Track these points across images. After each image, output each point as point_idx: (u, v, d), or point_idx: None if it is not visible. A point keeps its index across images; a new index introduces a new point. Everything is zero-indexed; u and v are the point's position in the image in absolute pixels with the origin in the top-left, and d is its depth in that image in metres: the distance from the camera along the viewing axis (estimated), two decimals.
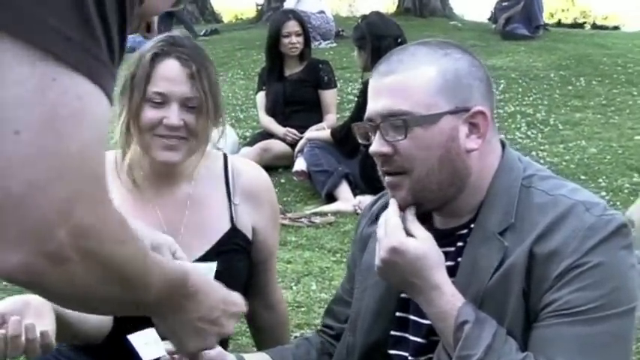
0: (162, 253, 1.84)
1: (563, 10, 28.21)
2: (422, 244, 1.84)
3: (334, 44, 11.57)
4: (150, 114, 2.26)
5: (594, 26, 18.57)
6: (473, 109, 1.85)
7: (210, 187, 2.45)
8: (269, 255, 2.56)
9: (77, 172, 1.04)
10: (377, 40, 5.59)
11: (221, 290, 1.62)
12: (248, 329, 2.70)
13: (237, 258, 2.43)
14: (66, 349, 2.30)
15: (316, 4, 12.48)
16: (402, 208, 1.91)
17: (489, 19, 14.48)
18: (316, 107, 6.30)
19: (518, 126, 7.70)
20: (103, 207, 1.09)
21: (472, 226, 1.89)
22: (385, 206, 1.96)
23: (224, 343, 2.27)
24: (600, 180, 5.68)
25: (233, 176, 2.47)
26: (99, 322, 2.14)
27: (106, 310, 1.56)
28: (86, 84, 1.02)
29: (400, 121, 1.83)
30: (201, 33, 13.98)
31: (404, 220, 1.88)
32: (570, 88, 9.08)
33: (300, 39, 6.44)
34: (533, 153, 6.63)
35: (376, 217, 2.01)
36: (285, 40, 6.37)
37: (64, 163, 1.02)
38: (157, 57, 2.28)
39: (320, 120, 6.18)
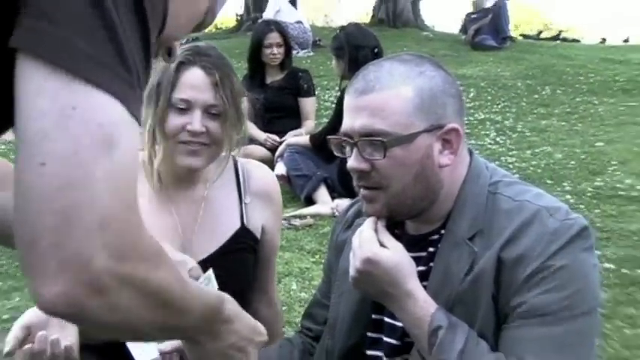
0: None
1: (527, 23, 28.43)
2: (394, 254, 1.84)
3: (311, 53, 11.61)
4: (174, 120, 2.26)
5: (558, 38, 18.68)
6: (447, 127, 1.84)
7: (223, 188, 2.45)
8: (273, 253, 2.57)
9: (106, 199, 1.00)
10: (355, 49, 5.59)
11: (251, 320, 1.60)
12: None
13: (246, 256, 2.43)
14: None
15: (294, 14, 12.60)
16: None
17: (460, 31, 14.56)
18: (296, 114, 6.31)
19: (488, 132, 7.74)
20: (137, 231, 1.06)
21: (443, 231, 1.89)
22: (359, 212, 1.99)
23: None
24: (565, 184, 5.72)
25: (244, 178, 2.47)
26: None
27: (147, 337, 1.50)
28: (115, 109, 0.99)
29: (379, 142, 1.82)
30: (183, 42, 13.86)
31: (379, 232, 1.89)
32: (536, 96, 9.17)
33: (282, 49, 6.44)
34: (502, 158, 6.68)
35: (351, 224, 2.03)
36: (267, 51, 6.37)
37: (92, 191, 0.98)
38: (182, 65, 2.29)
39: (299, 126, 6.19)
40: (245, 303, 2.40)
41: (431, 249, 1.90)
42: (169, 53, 1.41)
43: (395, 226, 1.93)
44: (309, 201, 5.45)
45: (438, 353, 1.75)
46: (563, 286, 1.73)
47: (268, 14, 11.90)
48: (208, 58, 2.32)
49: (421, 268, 1.87)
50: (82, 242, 0.97)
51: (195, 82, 2.28)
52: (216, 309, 1.40)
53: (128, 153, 1.01)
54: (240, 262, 2.40)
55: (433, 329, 1.76)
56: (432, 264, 1.88)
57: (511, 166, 6.29)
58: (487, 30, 12.98)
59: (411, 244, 1.89)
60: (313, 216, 5.19)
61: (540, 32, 22.32)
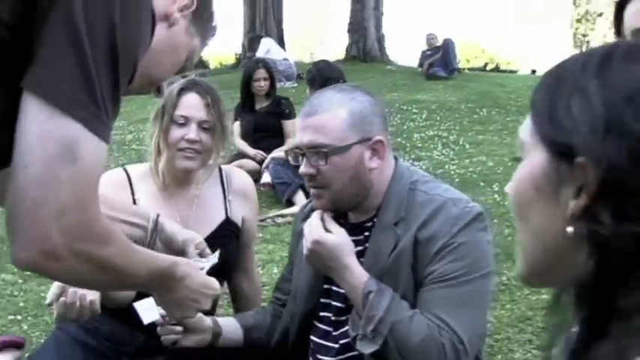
0: (188, 246, 1.91)
1: (476, 57, 28.47)
2: (336, 237, 1.90)
3: (295, 84, 11.50)
4: (175, 132, 2.33)
5: (497, 70, 18.69)
6: (374, 139, 1.89)
7: (211, 188, 2.49)
8: (252, 239, 2.60)
9: (67, 194, 1.09)
10: (324, 81, 5.49)
11: (203, 277, 1.67)
12: (227, 304, 2.70)
13: (230, 241, 2.45)
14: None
15: (281, 53, 12.64)
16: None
17: (418, 65, 14.57)
18: (279, 133, 6.30)
19: (436, 146, 7.69)
20: (89, 218, 1.14)
21: (375, 219, 1.93)
22: (313, 208, 2.03)
23: (212, 311, 2.29)
24: (494, 186, 5.74)
25: (227, 180, 2.51)
26: (125, 292, 2.18)
27: (105, 289, 1.63)
28: (80, 132, 1.08)
29: (322, 152, 1.87)
30: (192, 76, 13.81)
31: (324, 221, 1.93)
32: (475, 116, 9.13)
33: (267, 82, 6.46)
34: (447, 166, 6.64)
35: (307, 216, 2.04)
36: (255, 84, 6.40)
37: (58, 188, 1.08)
38: (182, 91, 2.38)
39: (282, 143, 6.16)
40: (230, 279, 2.48)
41: (366, 233, 1.94)
42: (158, 90, 1.51)
43: (340, 217, 1.98)
44: (289, 203, 5.44)
45: (369, 311, 1.79)
46: (463, 257, 1.80)
47: (260, 53, 11.87)
48: (201, 86, 2.41)
49: (359, 248, 1.92)
50: (43, 224, 1.08)
51: (192, 103, 2.36)
52: (168, 270, 1.48)
53: (89, 164, 1.10)
54: (226, 246, 2.39)
55: (365, 293, 1.81)
56: (367, 245, 1.93)
57: (453, 172, 6.28)
58: (438, 63, 12.89)
59: (352, 229, 1.94)
60: (292, 215, 5.06)
61: (486, 64, 22.34)
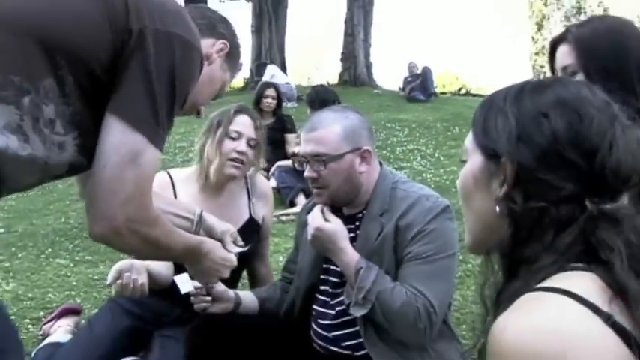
0: (225, 235, 2.03)
1: (450, 83, 28.52)
2: (334, 225, 1.98)
3: (296, 104, 11.47)
4: (228, 145, 2.41)
5: (469, 94, 18.69)
6: (363, 148, 1.99)
7: (239, 193, 2.56)
8: (269, 233, 2.68)
9: (131, 189, 1.26)
10: (322, 102, 5.58)
11: (223, 252, 1.78)
12: (242, 286, 2.76)
13: (252, 236, 2.50)
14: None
15: (283, 77, 12.64)
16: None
17: (400, 88, 14.59)
18: (282, 145, 6.31)
19: (415, 158, 7.69)
20: (145, 207, 1.32)
21: (364, 212, 2.02)
22: (315, 204, 2.10)
23: (234, 286, 2.39)
24: None
25: (251, 185, 2.58)
26: (167, 274, 2.28)
27: (152, 258, 1.81)
28: (144, 144, 1.26)
29: (321, 160, 1.96)
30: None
31: (324, 213, 2.01)
32: (449, 133, 9.10)
33: (275, 101, 6.52)
34: (424, 175, 6.65)
35: (310, 210, 2.11)
36: (264, 100, 6.44)
37: (125, 185, 1.26)
38: (237, 112, 2.47)
39: (285, 154, 6.19)
40: (252, 264, 2.56)
41: (357, 223, 2.03)
42: (198, 113, 1.69)
43: (336, 210, 2.05)
44: (292, 204, 5.45)
45: (360, 283, 1.88)
46: (434, 240, 1.88)
47: (266, 78, 11.83)
48: (251, 111, 2.53)
49: (352, 234, 2.00)
50: (112, 209, 1.26)
51: (245, 122, 2.45)
52: (197, 247, 1.62)
53: (148, 167, 1.28)
54: (249, 239, 2.44)
55: (357, 269, 1.91)
56: (358, 232, 2.01)
57: (429, 180, 6.29)
58: (418, 88, 12.92)
59: (346, 220, 2.02)
60: (294, 214, 5.01)
61: (460, 89, 22.34)
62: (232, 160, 2.42)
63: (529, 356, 0.77)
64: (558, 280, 0.85)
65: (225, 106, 2.55)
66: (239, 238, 2.08)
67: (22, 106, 1.16)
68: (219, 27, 1.64)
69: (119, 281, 2.11)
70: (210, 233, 2.02)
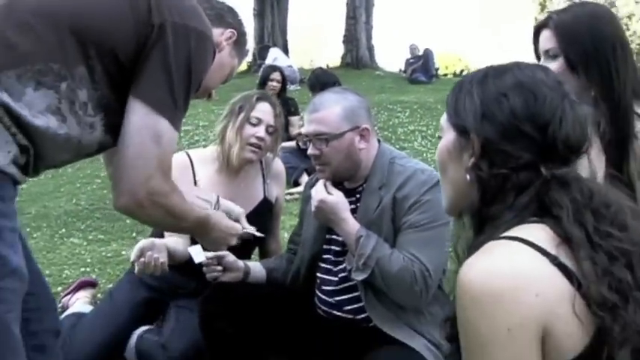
0: (241, 217, 2.11)
1: (454, 65, 28.44)
2: (335, 198, 2.07)
3: (298, 87, 11.52)
4: (248, 130, 2.49)
5: None
6: (362, 127, 2.07)
7: (254, 174, 2.64)
8: (280, 212, 2.77)
9: (152, 166, 1.38)
10: (323, 85, 5.68)
11: (229, 222, 1.89)
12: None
13: (265, 215, 2.62)
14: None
15: (286, 60, 12.65)
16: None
17: (402, 70, 14.62)
18: (286, 127, 6.23)
19: (416, 139, 7.79)
20: (165, 181, 1.43)
21: (364, 185, 2.10)
22: (318, 179, 2.18)
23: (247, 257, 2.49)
24: None
25: (265, 166, 2.66)
26: (183, 251, 2.36)
27: (169, 228, 1.91)
28: (165, 125, 1.38)
29: (323, 138, 2.06)
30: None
31: (326, 187, 2.10)
32: None
33: (279, 85, 6.57)
34: (424, 155, 6.72)
35: (313, 184, 2.20)
36: (270, 83, 6.50)
37: (147, 162, 1.38)
38: (259, 99, 2.55)
39: (289, 136, 6.23)
40: (263, 240, 2.63)
41: (358, 195, 2.12)
42: (209, 96, 1.82)
43: (338, 184, 2.13)
44: (296, 184, 5.53)
45: (360, 250, 1.98)
46: (428, 210, 1.97)
47: (269, 61, 11.90)
48: (272, 99, 2.60)
49: (352, 207, 2.09)
50: (135, 184, 1.38)
51: (266, 109, 2.53)
52: (205, 219, 1.72)
53: (167, 146, 1.41)
54: (263, 217, 2.60)
55: (357, 237, 2.00)
56: (358, 204, 2.10)
57: (430, 160, 6.28)
58: (420, 70, 13.02)
59: (347, 193, 2.11)
60: (298, 193, 5.03)
61: (462, 71, 22.32)
62: (251, 144, 2.50)
63: (489, 292, 0.94)
64: (516, 230, 1.01)
65: (246, 92, 2.63)
66: (243, 219, 2.16)
67: (60, 91, 1.30)
68: (227, 17, 1.76)
69: (141, 259, 2.21)
70: (228, 216, 2.12)
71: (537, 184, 1.03)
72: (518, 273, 0.95)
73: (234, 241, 1.94)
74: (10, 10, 1.30)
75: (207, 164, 2.59)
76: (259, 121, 2.52)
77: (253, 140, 2.50)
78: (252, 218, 2.48)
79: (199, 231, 1.78)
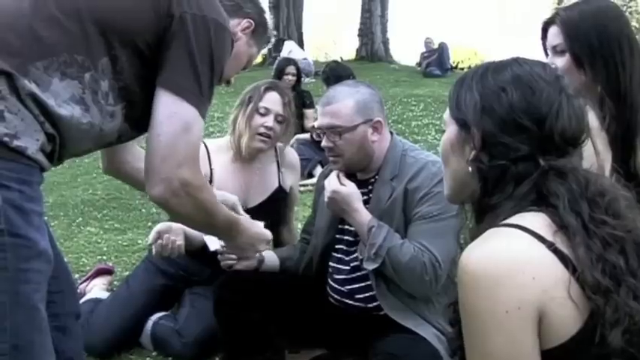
0: (237, 206, 2.04)
1: (469, 59, 28.28)
2: (348, 188, 2.10)
3: (313, 80, 11.40)
4: (257, 119, 2.54)
5: None
6: (374, 119, 2.11)
7: (269, 163, 2.69)
8: (295, 201, 2.83)
9: (183, 154, 1.41)
10: (337, 78, 5.63)
11: (259, 229, 1.90)
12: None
13: (280, 204, 2.68)
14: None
15: (301, 53, 12.65)
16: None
17: (417, 64, 14.58)
18: (301, 120, 6.34)
19: (430, 132, 7.80)
20: (196, 172, 1.45)
21: (376, 177, 2.14)
22: (331, 170, 2.21)
23: None
24: None
25: (280, 156, 2.71)
26: (199, 236, 2.38)
27: (199, 225, 1.79)
28: (193, 114, 1.41)
29: (336, 131, 2.09)
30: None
31: (339, 178, 2.14)
32: None
33: (294, 78, 6.61)
34: (438, 148, 6.52)
35: (327, 175, 2.22)
36: (285, 77, 6.52)
37: (178, 150, 1.40)
38: (267, 89, 2.59)
39: (303, 128, 6.26)
40: (277, 229, 2.67)
41: (370, 187, 2.15)
42: (228, 83, 1.86)
43: (351, 175, 2.17)
44: (310, 175, 5.53)
45: (372, 240, 2.02)
46: (439, 202, 1.99)
47: (284, 54, 11.86)
48: (281, 88, 2.64)
49: (365, 197, 2.12)
50: (169, 172, 1.40)
51: (274, 99, 2.57)
52: (234, 222, 1.73)
53: (196, 134, 1.43)
54: (278, 207, 2.67)
55: (369, 228, 2.04)
56: (370, 195, 2.13)
57: None
58: (434, 63, 12.96)
59: (360, 184, 2.14)
60: (312, 185, 4.94)
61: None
62: (260, 134, 2.55)
63: (488, 275, 0.99)
64: (515, 219, 1.06)
65: (257, 82, 2.67)
66: (240, 209, 2.16)
67: (84, 81, 1.34)
68: (245, 7, 1.80)
69: (159, 242, 2.28)
70: (225, 204, 2.15)
71: (535, 174, 1.08)
72: (516, 257, 1.00)
73: (263, 248, 1.96)
74: (37, 4, 1.34)
75: (223, 153, 2.64)
76: (268, 111, 2.56)
77: (262, 130, 2.54)
78: (267, 206, 2.60)
79: (228, 233, 1.77)
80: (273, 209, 2.64)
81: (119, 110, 1.42)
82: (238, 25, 1.76)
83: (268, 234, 1.93)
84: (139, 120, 1.45)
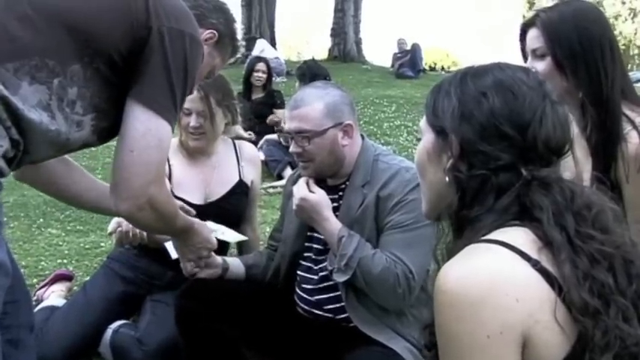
0: (188, 211, 2.05)
1: (441, 60, 28.53)
2: (317, 196, 2.05)
3: (285, 79, 11.47)
4: (184, 120, 2.53)
5: None
6: (344, 123, 2.05)
7: (227, 157, 2.68)
8: (257, 197, 2.80)
9: (153, 171, 1.40)
10: (313, 76, 5.62)
11: (208, 234, 1.93)
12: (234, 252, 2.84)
13: (242, 198, 2.65)
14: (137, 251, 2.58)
15: (273, 52, 12.53)
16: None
17: (390, 66, 14.65)
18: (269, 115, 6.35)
19: (402, 134, 7.75)
20: (163, 187, 1.46)
21: (347, 183, 2.09)
22: (300, 175, 2.17)
23: (224, 252, 2.47)
24: None
25: (239, 150, 2.71)
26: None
27: (159, 232, 1.96)
28: (167, 130, 1.40)
29: (305, 136, 2.03)
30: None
31: (308, 185, 2.09)
32: None
33: (265, 76, 6.57)
34: (409, 150, 6.62)
35: (295, 181, 2.18)
36: (255, 74, 6.50)
37: (150, 169, 1.40)
38: None
39: (273, 129, 6.24)
40: (239, 228, 2.61)
41: (340, 193, 2.10)
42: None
43: (320, 181, 2.12)
44: (279, 177, 5.51)
45: (342, 250, 1.96)
46: (412, 210, 1.93)
47: (255, 52, 11.71)
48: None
49: (335, 204, 2.07)
50: (139, 190, 1.40)
51: (191, 98, 2.43)
52: (189, 226, 1.78)
53: (166, 150, 1.43)
54: (239, 201, 2.63)
55: (339, 237, 1.98)
56: (341, 202, 2.08)
57: (415, 155, 6.25)
58: (407, 65, 13.00)
59: (329, 191, 2.08)
60: (282, 187, 4.99)
61: (449, 67, 22.40)
62: (191, 133, 2.56)
63: (467, 298, 0.91)
64: (496, 234, 0.98)
65: None
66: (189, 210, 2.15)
67: (52, 87, 1.29)
68: (210, 17, 1.76)
69: (119, 229, 2.22)
70: None
71: (517, 185, 1.00)
72: (498, 278, 0.92)
73: (206, 254, 2.00)
74: (10, 2, 1.29)
75: (176, 152, 2.62)
76: (189, 110, 2.54)
77: (190, 130, 2.56)
78: (228, 200, 2.58)
79: (182, 237, 1.84)
80: (236, 203, 2.63)
81: (88, 121, 1.38)
82: (201, 36, 1.70)
83: (214, 242, 1.99)
84: (107, 130, 1.43)
